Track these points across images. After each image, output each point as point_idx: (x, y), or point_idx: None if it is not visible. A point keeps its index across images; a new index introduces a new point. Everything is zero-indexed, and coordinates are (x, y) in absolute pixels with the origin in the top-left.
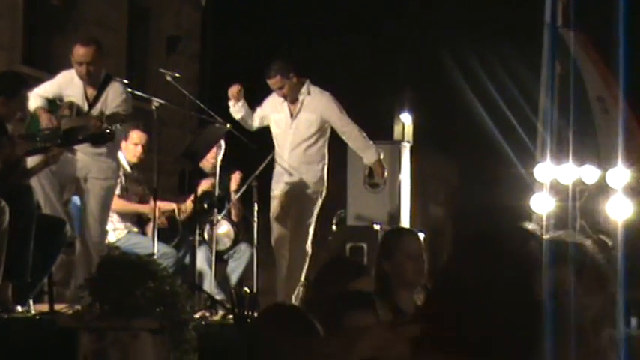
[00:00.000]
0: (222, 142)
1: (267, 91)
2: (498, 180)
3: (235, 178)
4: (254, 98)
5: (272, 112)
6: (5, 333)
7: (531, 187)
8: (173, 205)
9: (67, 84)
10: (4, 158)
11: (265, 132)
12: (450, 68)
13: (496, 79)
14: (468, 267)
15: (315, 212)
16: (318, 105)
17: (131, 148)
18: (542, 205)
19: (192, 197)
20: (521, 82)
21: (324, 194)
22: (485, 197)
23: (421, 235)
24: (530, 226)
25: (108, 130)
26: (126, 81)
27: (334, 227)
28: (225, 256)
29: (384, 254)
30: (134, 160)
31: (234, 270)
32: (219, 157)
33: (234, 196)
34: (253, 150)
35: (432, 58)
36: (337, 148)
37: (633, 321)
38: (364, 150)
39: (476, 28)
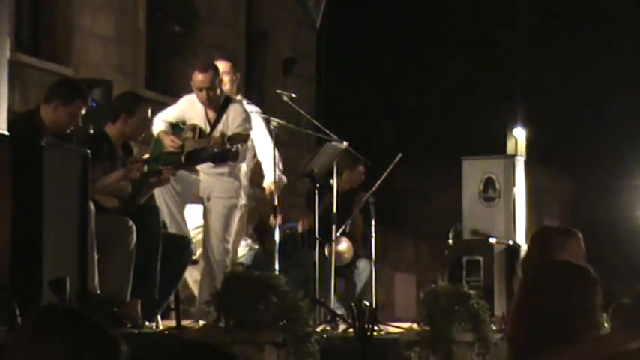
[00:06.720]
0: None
1: (384, 112)
2: (613, 191)
3: (359, 198)
4: (370, 119)
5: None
6: (135, 347)
7: None
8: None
9: (188, 108)
10: (129, 179)
11: (382, 149)
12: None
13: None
14: None
15: None
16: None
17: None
18: None
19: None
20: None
21: None
22: (600, 209)
23: None
24: None
25: (230, 149)
26: (244, 102)
27: (450, 241)
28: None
29: (539, 255)
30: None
31: (355, 285)
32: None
33: (354, 213)
34: (369, 166)
35: (543, 72)
36: (452, 164)
37: None
38: None
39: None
